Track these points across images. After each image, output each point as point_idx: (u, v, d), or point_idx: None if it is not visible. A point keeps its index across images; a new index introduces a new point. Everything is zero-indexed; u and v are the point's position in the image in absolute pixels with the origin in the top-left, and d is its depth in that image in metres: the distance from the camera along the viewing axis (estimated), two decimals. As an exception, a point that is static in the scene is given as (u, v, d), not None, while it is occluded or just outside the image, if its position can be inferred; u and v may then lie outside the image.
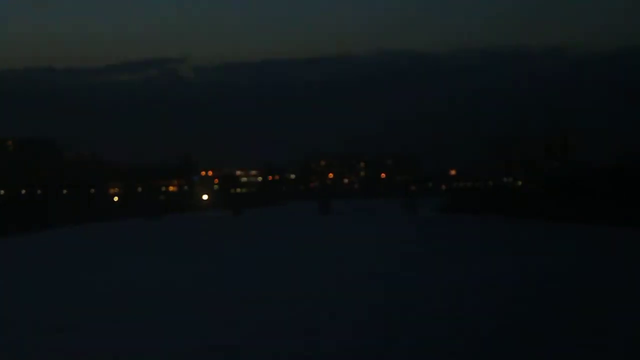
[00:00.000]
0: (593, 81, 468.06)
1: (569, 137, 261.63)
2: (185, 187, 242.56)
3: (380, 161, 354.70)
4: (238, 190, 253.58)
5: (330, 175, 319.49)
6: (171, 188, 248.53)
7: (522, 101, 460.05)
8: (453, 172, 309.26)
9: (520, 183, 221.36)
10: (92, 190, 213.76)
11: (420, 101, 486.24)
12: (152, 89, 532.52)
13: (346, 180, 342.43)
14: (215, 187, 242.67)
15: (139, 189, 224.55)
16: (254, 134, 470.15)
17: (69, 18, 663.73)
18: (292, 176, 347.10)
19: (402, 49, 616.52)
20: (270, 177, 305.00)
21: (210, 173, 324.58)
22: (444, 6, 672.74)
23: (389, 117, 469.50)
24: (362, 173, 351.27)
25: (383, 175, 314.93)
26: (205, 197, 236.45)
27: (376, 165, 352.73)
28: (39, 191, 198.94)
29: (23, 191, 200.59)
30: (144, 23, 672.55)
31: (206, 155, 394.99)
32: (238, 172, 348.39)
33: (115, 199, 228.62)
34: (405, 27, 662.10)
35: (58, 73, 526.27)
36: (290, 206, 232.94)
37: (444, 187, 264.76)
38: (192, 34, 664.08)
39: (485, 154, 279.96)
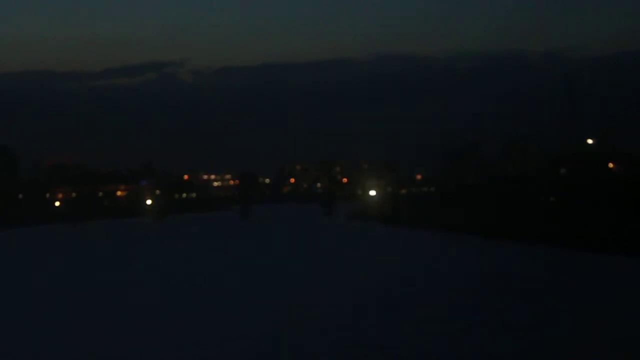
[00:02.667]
0: (592, 86, 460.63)
1: (528, 143, 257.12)
2: (124, 193, 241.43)
3: (356, 166, 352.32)
4: (184, 195, 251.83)
5: (292, 180, 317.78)
6: (119, 193, 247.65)
7: (519, 105, 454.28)
8: (419, 177, 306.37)
9: (428, 190, 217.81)
10: (21, 196, 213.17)
11: (415, 106, 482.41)
12: (150, 93, 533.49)
13: (319, 185, 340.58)
14: (157, 192, 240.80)
15: (73, 195, 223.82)
16: (247, 138, 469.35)
17: (67, 21, 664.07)
18: (267, 180, 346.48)
19: (401, 54, 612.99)
20: (231, 182, 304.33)
21: (186, 177, 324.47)
22: (443, 11, 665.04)
23: (382, 121, 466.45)
24: (339, 177, 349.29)
25: (345, 180, 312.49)
26: (149, 202, 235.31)
27: (352, 170, 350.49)
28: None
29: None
30: (143, 26, 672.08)
31: (194, 160, 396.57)
32: (212, 177, 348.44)
33: (57, 204, 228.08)
34: (404, 31, 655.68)
35: (56, 77, 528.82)
36: (233, 211, 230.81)
37: (403, 191, 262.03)
38: (191, 37, 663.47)
39: (449, 159, 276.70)
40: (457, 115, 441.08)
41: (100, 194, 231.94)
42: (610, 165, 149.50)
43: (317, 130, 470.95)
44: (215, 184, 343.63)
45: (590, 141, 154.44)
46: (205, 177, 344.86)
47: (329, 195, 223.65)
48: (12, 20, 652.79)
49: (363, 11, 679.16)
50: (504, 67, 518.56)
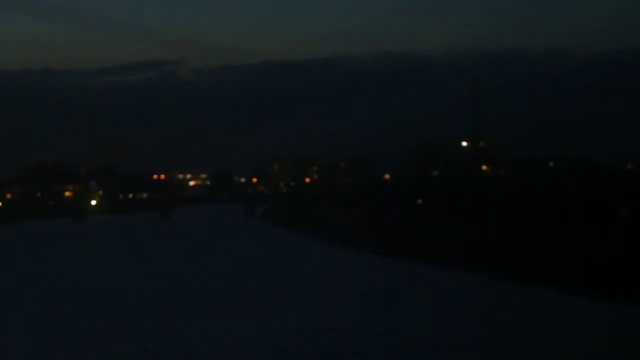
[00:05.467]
0: (592, 84, 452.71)
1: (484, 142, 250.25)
2: (66, 193, 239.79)
3: (334, 165, 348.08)
4: (130, 195, 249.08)
5: (254, 179, 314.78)
6: (67, 193, 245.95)
7: (514, 103, 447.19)
8: (387, 177, 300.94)
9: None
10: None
11: (411, 103, 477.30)
12: (150, 91, 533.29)
13: (292, 184, 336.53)
14: (101, 192, 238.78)
15: (8, 195, 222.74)
16: (243, 136, 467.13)
17: (67, 19, 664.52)
18: (242, 179, 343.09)
19: (400, 51, 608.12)
20: (196, 182, 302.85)
21: (162, 177, 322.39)
22: (442, 7, 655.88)
23: (377, 119, 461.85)
24: (315, 177, 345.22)
25: (307, 179, 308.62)
26: (93, 202, 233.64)
27: (329, 169, 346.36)
28: None
29: None
30: (143, 23, 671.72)
31: (185, 158, 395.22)
32: (188, 176, 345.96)
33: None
34: (404, 28, 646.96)
35: (55, 75, 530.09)
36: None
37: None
38: (192, 35, 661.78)
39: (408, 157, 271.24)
40: (448, 114, 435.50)
41: (39, 194, 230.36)
42: (484, 167, 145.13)
43: (313, 129, 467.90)
44: (191, 183, 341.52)
45: (464, 143, 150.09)
46: (181, 176, 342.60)
47: (250, 197, 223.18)
48: (10, 18, 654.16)
49: (361, 8, 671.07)
50: (503, 64, 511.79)
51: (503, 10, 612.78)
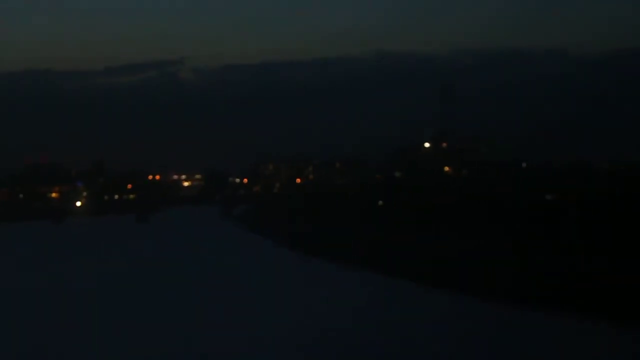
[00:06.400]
0: (592, 84, 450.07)
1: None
2: (51, 194, 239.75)
3: (329, 165, 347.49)
4: (116, 196, 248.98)
5: (245, 180, 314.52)
6: (54, 194, 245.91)
7: (514, 103, 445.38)
8: (379, 177, 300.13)
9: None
10: None
11: (410, 103, 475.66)
12: (150, 91, 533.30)
13: (277, 184, 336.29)
14: (85, 193, 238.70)
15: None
16: (239, 136, 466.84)
17: (68, 19, 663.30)
18: (238, 180, 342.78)
19: (400, 51, 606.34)
20: (190, 182, 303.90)
21: (157, 177, 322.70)
22: (443, 7, 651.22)
23: (376, 119, 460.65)
24: (310, 177, 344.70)
25: (298, 180, 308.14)
26: (78, 203, 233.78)
27: (326, 169, 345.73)
28: None
29: None
30: (142, 24, 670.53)
31: (184, 158, 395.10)
32: (183, 176, 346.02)
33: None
34: (404, 28, 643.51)
35: (56, 75, 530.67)
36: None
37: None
38: (191, 35, 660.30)
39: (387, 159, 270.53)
40: (447, 114, 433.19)
41: (21, 195, 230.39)
42: (447, 168, 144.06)
43: (312, 129, 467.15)
44: (186, 183, 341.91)
45: (427, 145, 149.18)
46: (176, 176, 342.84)
47: (228, 198, 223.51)
48: (11, 18, 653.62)
49: (361, 8, 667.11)
50: (503, 64, 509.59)
51: (503, 10, 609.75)
